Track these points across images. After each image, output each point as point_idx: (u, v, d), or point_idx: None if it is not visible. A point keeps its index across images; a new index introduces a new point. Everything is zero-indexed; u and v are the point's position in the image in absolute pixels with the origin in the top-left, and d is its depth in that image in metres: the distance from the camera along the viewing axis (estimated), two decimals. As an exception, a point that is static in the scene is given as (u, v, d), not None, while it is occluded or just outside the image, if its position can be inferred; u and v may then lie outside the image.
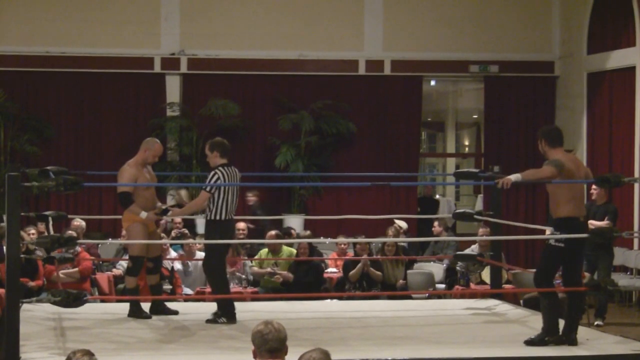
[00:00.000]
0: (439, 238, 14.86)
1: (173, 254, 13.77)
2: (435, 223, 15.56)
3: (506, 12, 18.02)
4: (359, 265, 12.84)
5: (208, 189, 9.75)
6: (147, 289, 10.79)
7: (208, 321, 9.84)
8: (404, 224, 15.19)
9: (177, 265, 13.46)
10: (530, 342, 8.62)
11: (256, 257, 13.90)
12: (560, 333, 8.69)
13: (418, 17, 17.91)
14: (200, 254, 13.98)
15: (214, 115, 16.91)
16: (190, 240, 14.22)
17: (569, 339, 8.68)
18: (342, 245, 14.39)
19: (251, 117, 17.57)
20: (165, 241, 13.12)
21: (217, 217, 9.73)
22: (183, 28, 17.51)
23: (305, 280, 13.00)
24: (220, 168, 9.88)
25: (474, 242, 13.56)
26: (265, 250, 13.86)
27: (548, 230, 9.51)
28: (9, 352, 7.87)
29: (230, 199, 9.80)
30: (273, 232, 14.35)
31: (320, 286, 13.19)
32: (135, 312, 10.20)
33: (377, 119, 17.94)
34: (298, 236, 14.74)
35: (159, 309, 10.37)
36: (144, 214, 10.00)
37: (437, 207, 19.88)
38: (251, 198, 16.29)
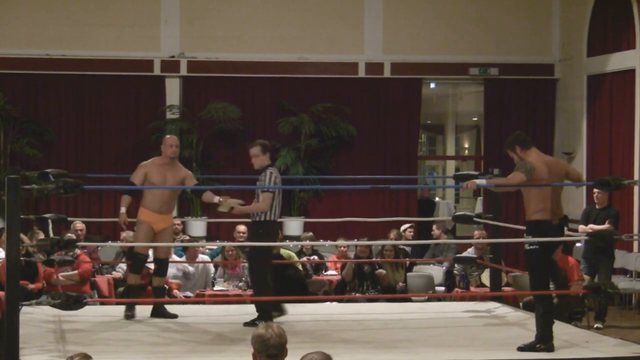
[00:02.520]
0: (439, 241, 14.86)
1: (175, 257, 13.76)
2: (434, 226, 15.58)
3: (506, 14, 18.01)
4: (348, 265, 12.93)
5: (271, 189, 9.69)
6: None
7: (246, 324, 9.70)
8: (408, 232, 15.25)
9: (173, 270, 13.42)
10: (522, 349, 8.61)
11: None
12: (535, 340, 8.67)
13: (418, 19, 17.90)
14: (201, 257, 14.03)
15: (214, 118, 16.91)
16: (194, 244, 14.24)
17: (547, 346, 8.64)
18: (342, 248, 14.40)
19: (251, 119, 17.58)
20: (169, 244, 13.12)
21: (268, 218, 9.69)
22: (183, 31, 17.50)
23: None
24: (272, 168, 9.97)
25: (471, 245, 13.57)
26: None
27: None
28: (9, 355, 7.87)
29: (279, 201, 9.84)
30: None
31: (304, 292, 13.17)
32: (127, 310, 10.28)
33: (377, 122, 17.94)
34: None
35: (159, 312, 10.38)
36: (122, 209, 10.25)
37: (434, 209, 19.90)
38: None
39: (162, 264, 10.66)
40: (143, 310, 10.83)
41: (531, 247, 8.67)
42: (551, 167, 8.81)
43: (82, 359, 4.85)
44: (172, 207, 10.67)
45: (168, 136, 10.72)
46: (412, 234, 15.26)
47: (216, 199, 10.14)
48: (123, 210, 10.31)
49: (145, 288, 11.54)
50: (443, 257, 14.65)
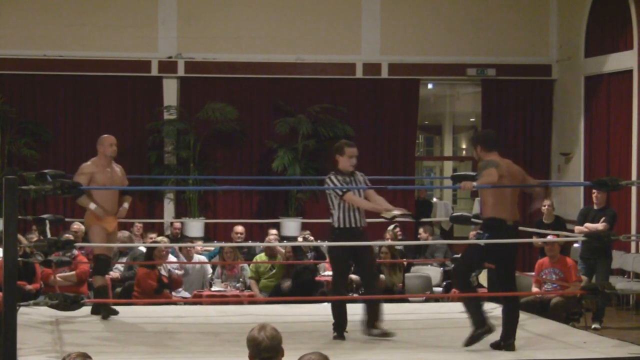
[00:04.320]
0: (438, 241, 14.87)
1: (172, 258, 13.77)
2: (421, 229, 15.62)
3: (504, 15, 18.02)
4: None
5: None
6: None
7: (335, 337, 9.29)
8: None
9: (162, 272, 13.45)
10: (467, 343, 8.73)
11: (253, 260, 13.90)
12: (499, 338, 8.73)
13: (415, 20, 17.91)
14: (198, 257, 14.02)
15: (212, 118, 16.91)
16: (188, 244, 14.24)
17: (507, 344, 8.71)
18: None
19: (248, 120, 17.57)
20: (166, 245, 13.14)
21: (347, 225, 9.27)
22: (180, 31, 17.50)
23: (297, 283, 13.04)
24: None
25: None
26: (261, 255, 13.86)
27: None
28: (7, 356, 7.86)
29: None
30: (271, 236, 14.36)
31: (314, 289, 13.20)
32: (101, 310, 10.26)
33: (375, 122, 17.95)
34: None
35: (100, 309, 10.39)
36: (92, 206, 10.23)
37: (431, 210, 19.89)
38: None
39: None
40: (137, 311, 10.85)
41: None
42: (510, 170, 8.87)
43: (78, 357, 4.83)
44: (117, 207, 10.69)
45: (106, 135, 10.77)
46: (399, 233, 15.17)
47: None
48: (94, 205, 10.30)
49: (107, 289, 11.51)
50: (433, 257, 14.67)
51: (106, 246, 10.47)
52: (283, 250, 13.72)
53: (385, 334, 9.15)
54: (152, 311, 11.09)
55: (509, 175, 8.74)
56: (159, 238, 14.20)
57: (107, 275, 13.51)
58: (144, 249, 13.76)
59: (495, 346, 8.69)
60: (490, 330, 8.69)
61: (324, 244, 14.99)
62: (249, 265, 13.69)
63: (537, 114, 18.14)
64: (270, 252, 13.61)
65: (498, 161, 8.69)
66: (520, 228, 9.13)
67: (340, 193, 9.20)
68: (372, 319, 9.21)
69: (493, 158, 8.74)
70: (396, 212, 9.24)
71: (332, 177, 9.31)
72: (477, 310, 8.77)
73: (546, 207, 14.02)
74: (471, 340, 8.73)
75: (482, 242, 8.67)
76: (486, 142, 8.90)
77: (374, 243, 9.08)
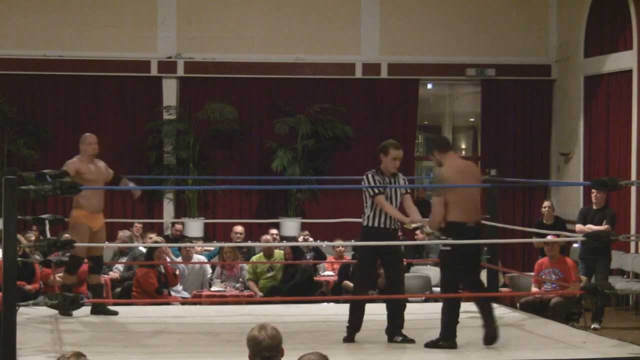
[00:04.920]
0: (438, 241, 14.83)
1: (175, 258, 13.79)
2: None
3: (503, 15, 18.02)
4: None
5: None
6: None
7: (345, 340, 9.19)
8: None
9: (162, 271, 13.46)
10: (427, 345, 8.77)
11: (253, 258, 13.90)
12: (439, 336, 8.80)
13: (415, 20, 17.90)
14: (198, 257, 14.01)
15: (211, 118, 16.91)
16: (187, 244, 14.24)
17: (449, 343, 8.77)
18: (339, 249, 14.40)
19: (248, 120, 17.58)
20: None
21: (376, 224, 9.14)
22: (180, 31, 17.50)
23: (294, 284, 13.04)
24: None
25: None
26: (258, 255, 13.85)
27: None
28: (6, 356, 7.86)
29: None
30: (268, 237, 14.36)
31: (312, 289, 13.18)
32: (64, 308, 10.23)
33: (374, 123, 17.95)
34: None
35: (99, 309, 10.39)
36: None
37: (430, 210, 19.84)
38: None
39: (97, 261, 10.71)
40: (137, 312, 10.85)
41: (445, 247, 8.83)
42: (465, 172, 8.95)
43: (75, 357, 4.83)
44: (103, 205, 10.71)
45: (87, 134, 10.84)
46: (400, 234, 15.16)
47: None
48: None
49: (102, 288, 11.52)
50: (428, 257, 14.70)
51: (91, 246, 10.43)
52: (282, 252, 13.75)
53: (408, 341, 9.04)
54: (152, 311, 11.09)
55: (462, 178, 8.79)
56: (157, 238, 14.19)
57: (106, 276, 13.60)
58: (143, 249, 13.76)
59: (433, 345, 8.74)
60: (452, 346, 8.72)
61: (324, 244, 15.06)
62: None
63: (537, 114, 18.14)
64: (268, 253, 13.61)
65: (444, 176, 8.76)
66: (521, 228, 9.13)
67: (371, 193, 9.09)
68: (398, 325, 9.09)
69: (449, 161, 8.84)
70: (415, 224, 9.19)
71: (370, 176, 9.16)
72: (452, 323, 8.80)
73: (546, 208, 14.02)
74: (431, 345, 8.77)
75: (485, 241, 8.66)
76: (440, 145, 8.98)
77: (374, 243, 9.02)
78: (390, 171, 9.20)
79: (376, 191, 9.04)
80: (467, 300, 11.85)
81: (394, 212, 9.14)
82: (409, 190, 9.33)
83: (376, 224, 9.10)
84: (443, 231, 8.82)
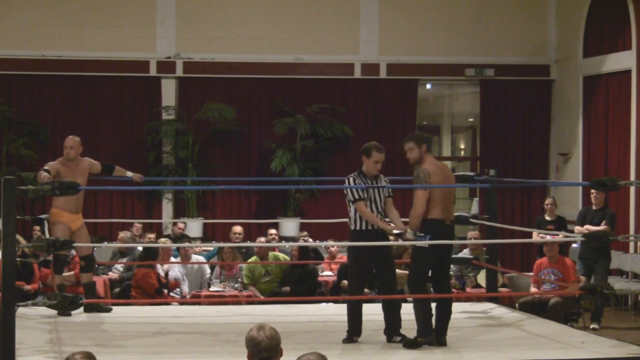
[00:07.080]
0: (437, 241, 14.83)
1: (173, 259, 13.78)
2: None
3: (502, 15, 18.02)
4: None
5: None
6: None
7: (344, 341, 9.17)
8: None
9: (175, 273, 13.47)
10: (406, 344, 8.77)
11: (248, 261, 13.88)
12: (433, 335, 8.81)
13: (414, 20, 17.91)
14: (196, 257, 14.01)
15: (210, 119, 16.91)
16: (187, 244, 14.23)
17: (439, 341, 8.80)
18: (332, 249, 14.41)
19: (247, 120, 17.58)
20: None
21: (364, 227, 9.08)
22: (179, 32, 17.50)
23: (301, 288, 13.03)
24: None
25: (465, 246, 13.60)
26: (253, 258, 13.79)
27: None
28: (5, 356, 7.86)
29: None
30: (262, 238, 14.35)
31: (316, 290, 13.18)
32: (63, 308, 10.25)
33: (373, 123, 17.95)
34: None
35: (92, 306, 10.40)
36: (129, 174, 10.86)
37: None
38: None
39: (87, 260, 10.73)
40: (136, 312, 10.84)
41: (421, 245, 8.85)
42: (444, 171, 9.09)
43: (83, 358, 4.81)
44: (82, 205, 10.71)
45: (67, 138, 10.88)
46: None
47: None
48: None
49: (94, 286, 11.51)
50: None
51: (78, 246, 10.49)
52: (279, 255, 13.74)
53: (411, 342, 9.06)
54: (151, 311, 11.08)
55: (442, 177, 8.88)
56: (162, 240, 14.20)
57: (105, 276, 13.61)
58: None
59: (411, 345, 8.73)
60: (431, 343, 8.74)
61: (323, 244, 15.05)
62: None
63: (536, 114, 18.15)
64: (262, 255, 13.53)
65: (428, 170, 8.77)
66: (520, 228, 9.15)
67: (351, 198, 9.07)
68: (396, 326, 9.07)
69: (430, 158, 8.92)
70: (397, 231, 9.06)
71: (351, 178, 9.11)
72: (426, 319, 8.78)
73: (549, 205, 14.05)
74: (410, 345, 8.76)
75: (486, 241, 8.67)
76: (425, 141, 9.02)
77: (374, 243, 9.02)
78: (372, 173, 9.19)
79: (356, 197, 9.02)
80: (457, 300, 11.89)
81: (374, 219, 9.07)
82: (391, 194, 9.30)
83: (364, 227, 9.07)
84: (421, 228, 8.81)
